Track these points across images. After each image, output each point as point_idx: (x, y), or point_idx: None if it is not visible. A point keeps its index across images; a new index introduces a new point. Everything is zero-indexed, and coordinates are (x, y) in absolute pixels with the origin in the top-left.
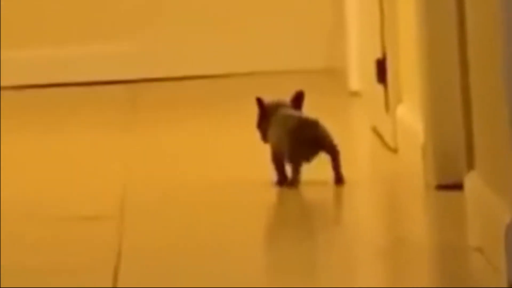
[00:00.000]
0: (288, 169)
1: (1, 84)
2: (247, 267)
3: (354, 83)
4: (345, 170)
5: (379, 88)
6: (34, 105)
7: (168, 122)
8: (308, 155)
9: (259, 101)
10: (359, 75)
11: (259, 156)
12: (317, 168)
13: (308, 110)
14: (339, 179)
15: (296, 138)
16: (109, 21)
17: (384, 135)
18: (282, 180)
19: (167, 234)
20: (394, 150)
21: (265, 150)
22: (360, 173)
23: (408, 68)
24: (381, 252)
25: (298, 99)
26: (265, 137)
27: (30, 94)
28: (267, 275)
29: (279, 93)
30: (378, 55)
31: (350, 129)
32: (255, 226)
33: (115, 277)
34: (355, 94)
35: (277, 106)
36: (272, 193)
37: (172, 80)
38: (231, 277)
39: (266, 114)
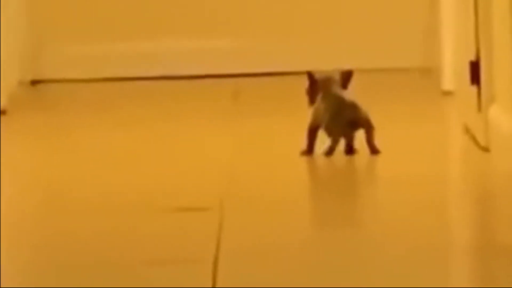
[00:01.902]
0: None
1: (110, 75)
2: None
3: (448, 82)
4: (436, 168)
5: (472, 88)
6: (142, 97)
7: (272, 116)
8: (346, 132)
9: (310, 75)
10: (453, 75)
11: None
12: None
13: (401, 107)
14: (373, 150)
15: (335, 116)
16: (213, 17)
17: (476, 134)
18: (309, 151)
19: (267, 228)
20: (486, 149)
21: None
22: (451, 171)
23: (501, 69)
24: (471, 252)
25: (346, 77)
26: (312, 102)
27: (138, 86)
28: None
29: (374, 90)
30: (472, 56)
31: (443, 127)
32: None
33: (215, 271)
34: (448, 93)
35: (327, 81)
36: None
37: (273, 75)
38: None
39: (316, 87)
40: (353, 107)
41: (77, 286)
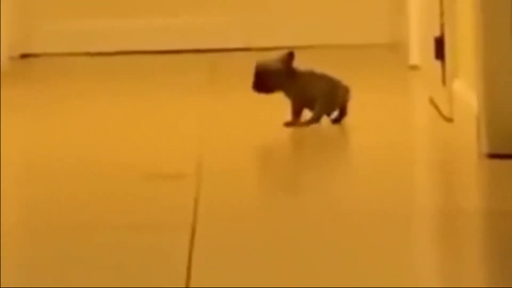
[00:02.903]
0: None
1: (95, 50)
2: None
3: (414, 57)
4: (402, 136)
5: (437, 63)
6: (126, 70)
7: (249, 90)
8: (331, 112)
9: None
10: (419, 50)
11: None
12: None
13: (370, 81)
14: (335, 120)
15: (330, 99)
16: None
17: (440, 106)
18: (294, 123)
19: (244, 195)
20: (450, 120)
21: None
22: (417, 140)
23: (464, 45)
24: (434, 216)
25: (289, 59)
26: (271, 91)
27: (123, 61)
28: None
29: (344, 64)
30: (437, 33)
31: (409, 99)
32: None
33: (192, 236)
34: (414, 67)
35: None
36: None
37: (250, 51)
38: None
39: (276, 76)
40: (346, 91)
41: (54, 249)
